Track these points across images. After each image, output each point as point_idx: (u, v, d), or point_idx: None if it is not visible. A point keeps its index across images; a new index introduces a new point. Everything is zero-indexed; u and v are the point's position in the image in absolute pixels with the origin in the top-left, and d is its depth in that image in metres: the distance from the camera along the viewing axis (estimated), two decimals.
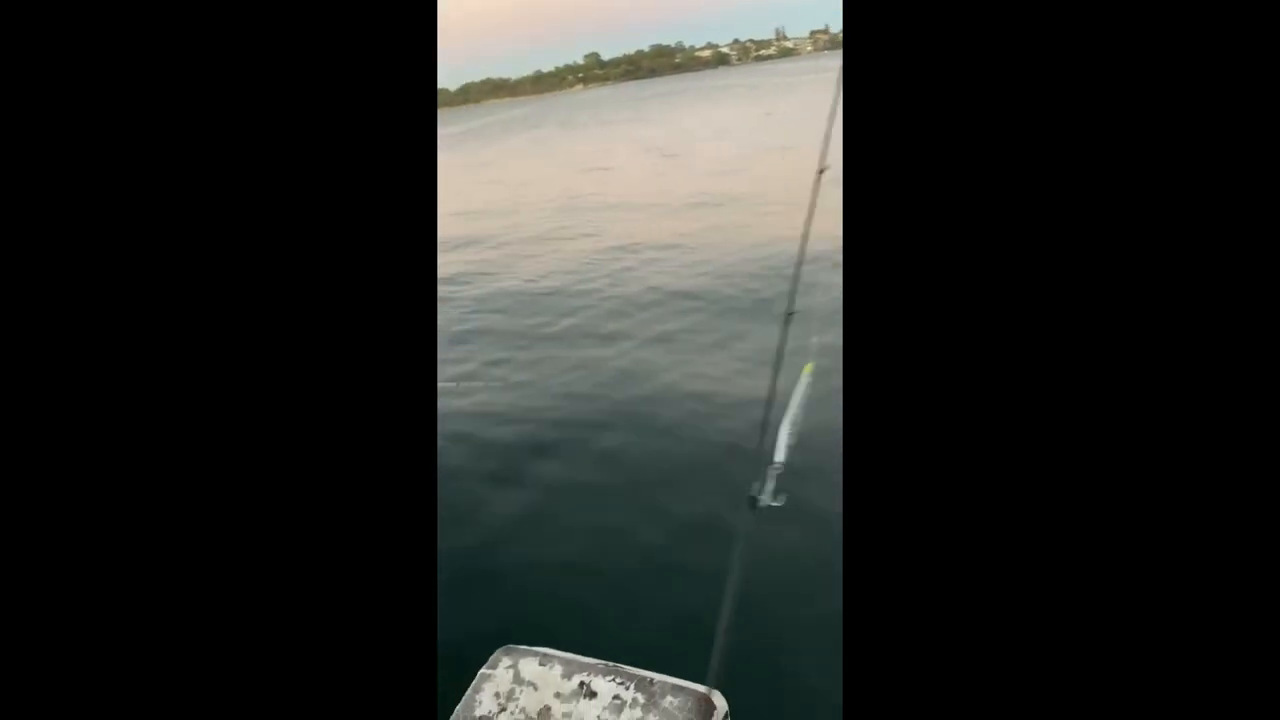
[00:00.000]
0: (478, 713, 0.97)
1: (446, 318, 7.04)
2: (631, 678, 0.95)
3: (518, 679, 0.99)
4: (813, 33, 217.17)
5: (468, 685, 1.01)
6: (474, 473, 3.85)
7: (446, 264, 9.30)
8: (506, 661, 1.02)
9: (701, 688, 0.93)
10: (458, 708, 0.98)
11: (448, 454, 4.04)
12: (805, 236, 1.79)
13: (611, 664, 0.98)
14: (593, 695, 0.95)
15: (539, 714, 0.95)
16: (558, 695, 0.96)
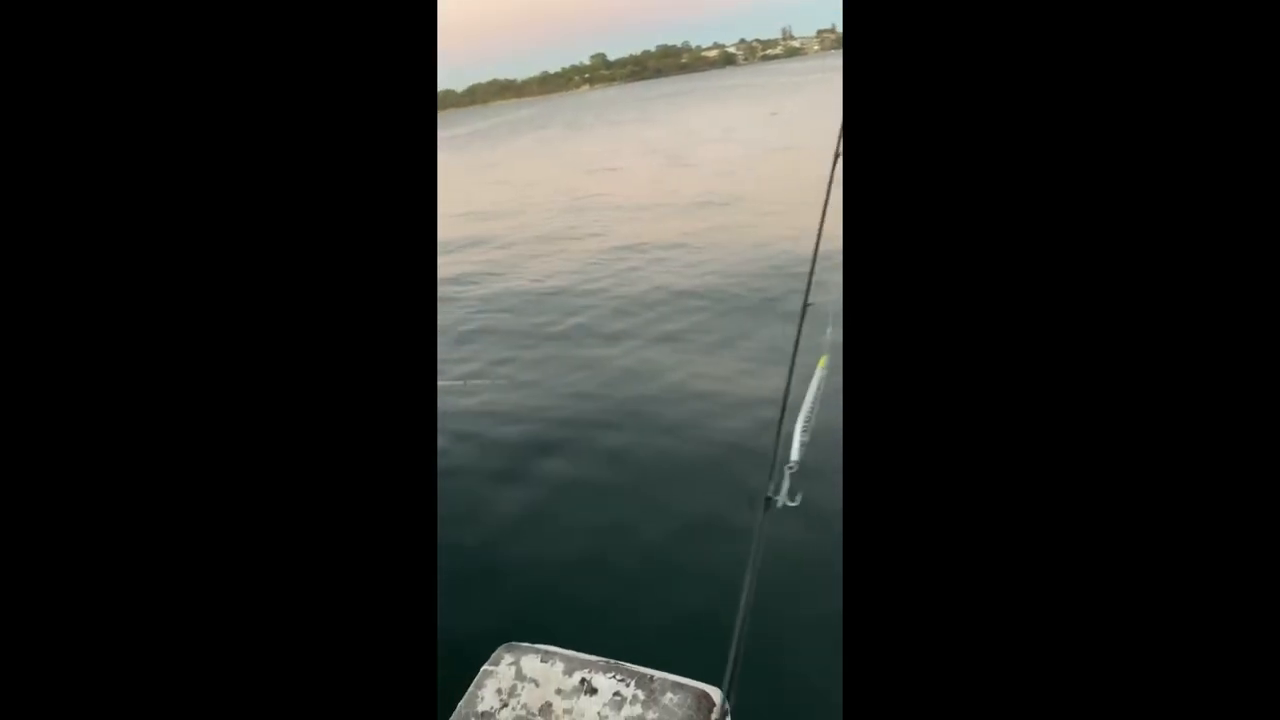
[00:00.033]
0: (480, 708, 0.98)
1: (453, 317, 7.05)
2: (631, 675, 0.96)
3: (520, 675, 1.00)
4: (819, 32, 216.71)
5: (471, 681, 1.02)
6: (479, 471, 3.86)
7: (454, 264, 9.32)
8: (509, 658, 1.03)
9: (700, 685, 0.93)
10: (461, 703, 0.99)
11: (453, 453, 4.05)
12: (821, 226, 1.76)
13: (612, 661, 0.99)
14: (593, 692, 0.96)
15: (540, 710, 0.96)
16: (559, 691, 0.97)
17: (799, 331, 1.55)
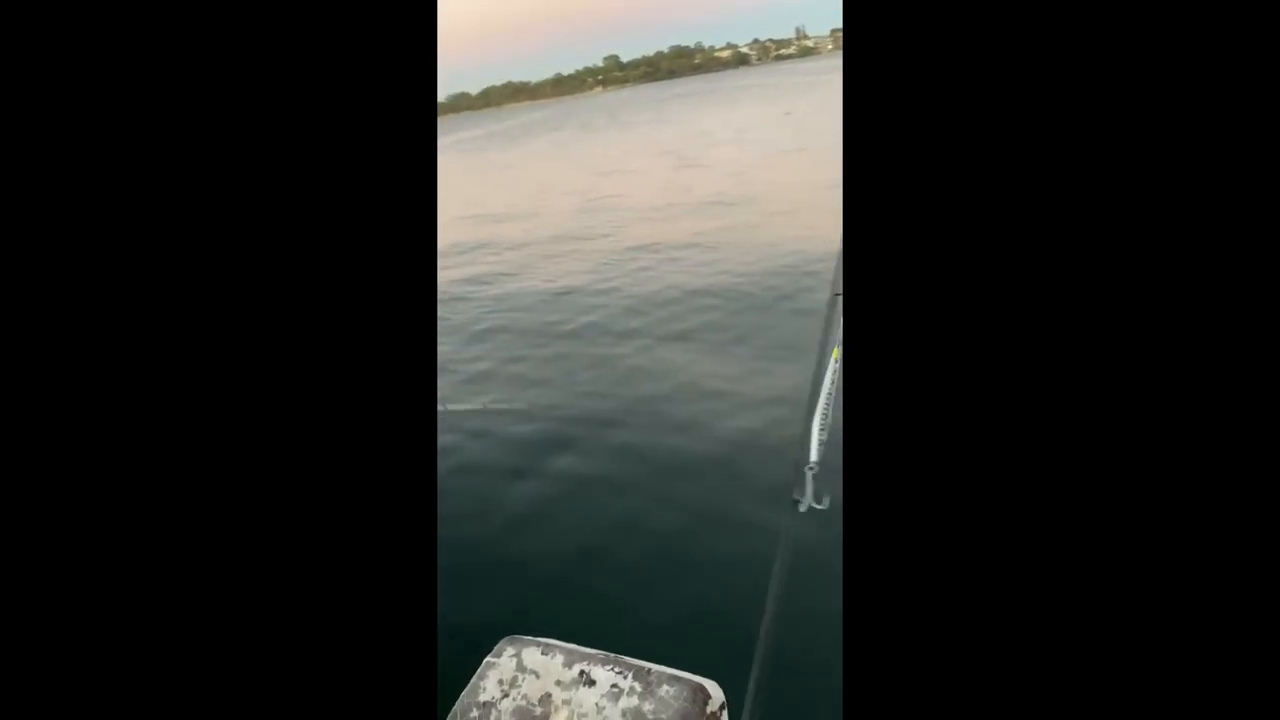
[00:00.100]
0: (482, 698, 0.99)
1: (467, 317, 7.10)
2: (630, 667, 0.97)
3: (520, 667, 1.01)
4: (833, 31, 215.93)
5: (473, 673, 1.03)
6: (491, 469, 3.88)
7: (468, 265, 9.40)
8: (510, 650, 1.04)
9: (697, 678, 0.94)
10: (463, 694, 1.00)
11: (466, 450, 4.08)
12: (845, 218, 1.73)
13: (611, 654, 0.99)
14: (591, 684, 0.96)
15: (540, 701, 0.96)
16: (558, 683, 0.98)
17: (827, 322, 1.44)
